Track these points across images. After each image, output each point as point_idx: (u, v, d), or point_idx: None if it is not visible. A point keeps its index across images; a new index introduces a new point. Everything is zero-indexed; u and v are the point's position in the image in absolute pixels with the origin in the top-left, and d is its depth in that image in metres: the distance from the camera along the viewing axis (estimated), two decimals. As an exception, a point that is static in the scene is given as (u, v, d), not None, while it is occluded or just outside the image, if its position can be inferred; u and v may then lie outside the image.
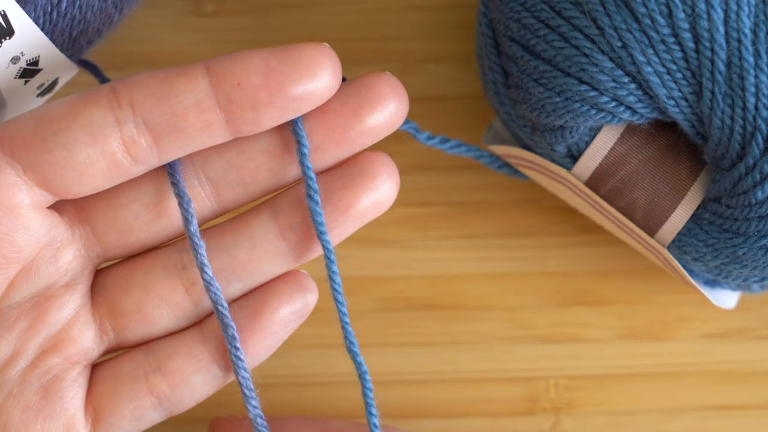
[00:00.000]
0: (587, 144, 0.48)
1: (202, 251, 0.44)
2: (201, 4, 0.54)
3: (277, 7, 0.54)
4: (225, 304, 0.44)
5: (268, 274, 0.45)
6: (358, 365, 0.44)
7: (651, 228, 0.48)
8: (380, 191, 0.44)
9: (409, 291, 0.53)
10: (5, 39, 0.43)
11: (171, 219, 0.44)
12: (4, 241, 0.42)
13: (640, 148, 0.48)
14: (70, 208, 0.44)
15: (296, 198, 0.44)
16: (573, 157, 0.48)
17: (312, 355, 0.53)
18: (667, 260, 0.48)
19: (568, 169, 0.48)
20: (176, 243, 0.45)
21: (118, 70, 0.51)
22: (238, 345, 0.44)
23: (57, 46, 0.45)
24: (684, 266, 0.49)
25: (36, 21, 0.43)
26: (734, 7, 0.44)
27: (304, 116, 0.43)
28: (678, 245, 0.48)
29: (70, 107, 0.42)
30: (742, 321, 0.53)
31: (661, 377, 0.53)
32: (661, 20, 0.44)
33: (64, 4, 0.44)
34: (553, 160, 0.49)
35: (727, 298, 0.51)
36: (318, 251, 0.45)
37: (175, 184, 0.44)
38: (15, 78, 0.45)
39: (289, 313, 0.45)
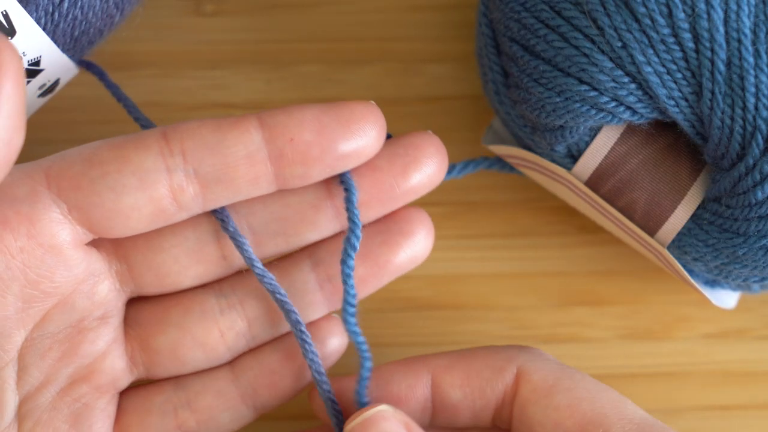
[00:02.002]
0: (587, 144, 0.48)
1: (248, 246, 0.44)
2: (201, 4, 0.54)
3: (277, 7, 0.53)
4: (283, 291, 0.44)
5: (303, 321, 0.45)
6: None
7: (651, 228, 0.48)
8: (417, 247, 0.45)
9: (409, 291, 0.53)
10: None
11: (209, 266, 0.44)
12: (44, 277, 0.42)
13: (640, 148, 0.48)
14: (108, 243, 0.44)
15: (338, 249, 0.45)
16: (573, 157, 0.48)
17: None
18: (667, 260, 0.48)
19: (568, 169, 0.48)
20: (213, 286, 0.45)
21: (118, 70, 0.51)
22: (310, 342, 0.44)
23: (59, 46, 0.45)
24: (684, 266, 0.49)
25: (38, 21, 0.43)
26: (734, 7, 0.44)
27: (352, 172, 0.44)
28: (678, 245, 0.48)
29: (120, 150, 0.42)
30: (742, 321, 0.53)
31: (661, 377, 0.53)
32: (661, 20, 0.44)
33: (65, 5, 0.44)
34: (553, 160, 0.49)
35: (727, 298, 0.51)
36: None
37: (217, 214, 0.44)
38: (16, 78, 0.45)
39: (321, 358, 0.45)
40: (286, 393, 0.45)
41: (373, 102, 0.43)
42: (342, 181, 0.44)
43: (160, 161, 0.42)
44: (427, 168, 0.44)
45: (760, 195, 0.45)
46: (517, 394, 0.45)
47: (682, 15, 0.44)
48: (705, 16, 0.44)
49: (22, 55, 0.44)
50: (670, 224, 0.48)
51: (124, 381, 0.45)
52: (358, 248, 0.44)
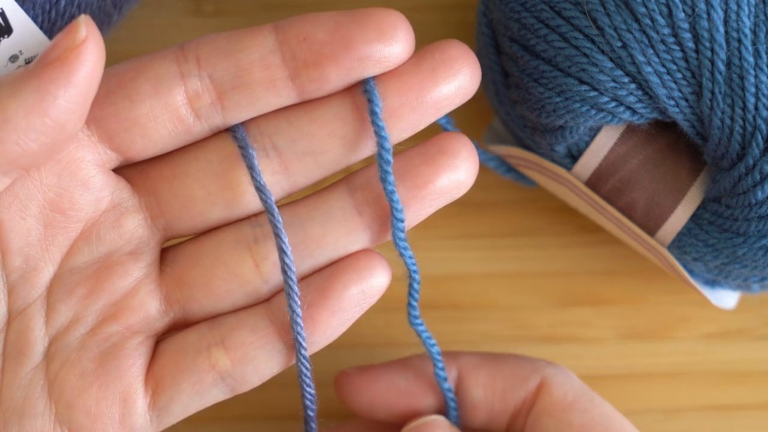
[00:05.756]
0: (587, 144, 0.48)
1: (271, 201, 0.43)
2: (201, 4, 0.54)
3: (277, 7, 0.54)
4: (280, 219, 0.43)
5: (341, 251, 0.44)
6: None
7: (651, 228, 0.48)
8: (460, 170, 0.43)
9: (409, 291, 0.53)
10: (4, 37, 0.43)
11: (237, 193, 0.43)
12: (62, 196, 0.42)
13: (640, 148, 0.48)
14: (137, 176, 0.44)
15: (374, 174, 0.43)
16: (573, 157, 0.48)
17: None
18: (667, 260, 0.48)
19: (568, 169, 0.48)
20: (250, 218, 0.44)
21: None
22: (299, 312, 0.43)
23: (56, 45, 0.45)
24: (684, 266, 0.49)
25: (34, 19, 0.43)
26: (734, 7, 0.44)
27: (376, 79, 0.42)
28: (678, 245, 0.48)
29: (137, 62, 0.42)
30: (742, 321, 0.53)
31: (661, 377, 0.53)
32: (661, 20, 0.44)
33: (62, 3, 0.44)
34: (553, 160, 0.49)
35: (727, 298, 0.51)
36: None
37: (234, 132, 0.43)
38: (14, 77, 0.45)
39: (360, 292, 0.43)
40: (324, 329, 0.44)
41: (398, 12, 0.42)
42: (364, 90, 0.42)
43: (174, 67, 0.42)
44: (458, 72, 0.42)
45: (760, 195, 0.45)
46: (535, 404, 0.46)
47: (682, 15, 0.44)
48: (705, 16, 0.44)
49: (19, 54, 0.44)
50: (670, 224, 0.48)
51: (159, 322, 0.44)
52: (392, 161, 0.42)
